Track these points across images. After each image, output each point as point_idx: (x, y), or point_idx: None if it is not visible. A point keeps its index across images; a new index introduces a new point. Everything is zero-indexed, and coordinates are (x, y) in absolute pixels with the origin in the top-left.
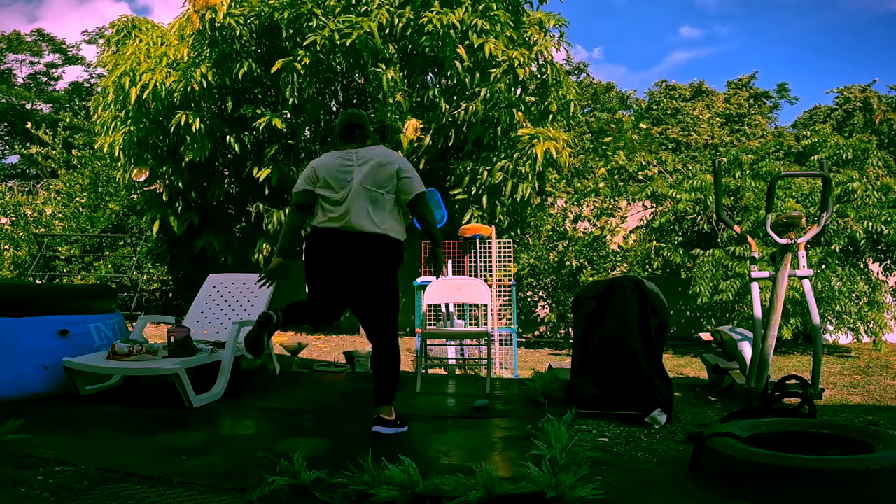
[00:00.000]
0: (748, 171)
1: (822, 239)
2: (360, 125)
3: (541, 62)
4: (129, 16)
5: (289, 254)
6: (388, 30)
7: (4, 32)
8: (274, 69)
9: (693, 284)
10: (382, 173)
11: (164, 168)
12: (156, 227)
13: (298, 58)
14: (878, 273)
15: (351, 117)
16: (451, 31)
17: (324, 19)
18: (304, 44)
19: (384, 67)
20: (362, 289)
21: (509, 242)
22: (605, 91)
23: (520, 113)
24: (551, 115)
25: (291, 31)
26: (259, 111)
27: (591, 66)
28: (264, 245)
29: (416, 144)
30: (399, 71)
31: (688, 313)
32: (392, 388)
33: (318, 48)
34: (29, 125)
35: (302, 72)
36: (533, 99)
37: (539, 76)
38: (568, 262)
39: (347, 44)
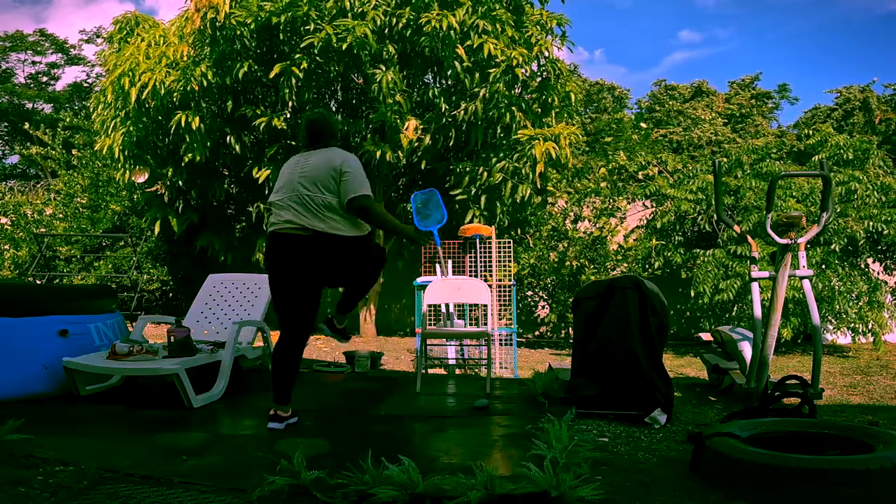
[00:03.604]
0: (749, 171)
1: (822, 239)
2: (316, 132)
3: (542, 62)
4: (132, 12)
5: None
6: (386, 30)
7: (7, 32)
8: (273, 73)
9: (693, 284)
10: (322, 175)
11: (165, 168)
12: (157, 229)
13: (297, 61)
14: (878, 273)
15: (308, 124)
16: (451, 32)
17: (321, 23)
18: (301, 46)
19: (384, 69)
20: (335, 273)
21: (509, 242)
22: (598, 91)
23: (520, 113)
24: (554, 111)
25: (289, 34)
26: (259, 111)
27: (582, 67)
28: (264, 245)
29: (415, 144)
30: (399, 72)
31: (688, 313)
32: (355, 304)
33: (315, 51)
34: (27, 126)
35: (301, 75)
36: (533, 96)
37: (540, 75)
38: (568, 263)
39: (343, 48)
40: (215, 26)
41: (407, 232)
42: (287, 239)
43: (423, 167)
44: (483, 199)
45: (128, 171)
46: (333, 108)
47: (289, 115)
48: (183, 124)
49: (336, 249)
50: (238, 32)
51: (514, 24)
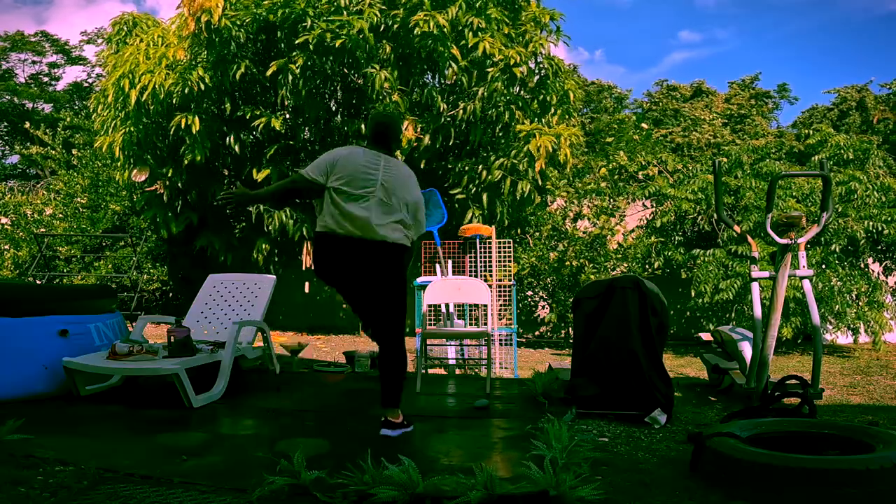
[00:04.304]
0: (749, 171)
1: (823, 239)
2: (383, 132)
3: (539, 59)
4: (129, 13)
5: (257, 199)
6: (381, 28)
7: (8, 32)
8: (269, 72)
9: (693, 284)
10: (405, 193)
11: (164, 169)
12: (164, 233)
13: (293, 59)
14: (878, 273)
15: (376, 123)
16: (443, 31)
17: (316, 20)
18: (296, 42)
19: (377, 68)
20: (375, 291)
21: (509, 242)
22: (598, 92)
23: (519, 111)
24: (552, 109)
25: (286, 32)
26: (258, 112)
27: (581, 66)
28: (264, 245)
29: (414, 144)
30: (395, 70)
31: (688, 313)
32: (398, 391)
33: (311, 48)
34: (28, 125)
35: (297, 73)
36: (529, 96)
37: (537, 72)
38: (568, 262)
39: (337, 45)
40: (210, 29)
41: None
42: (354, 244)
43: (422, 167)
44: (484, 197)
45: (127, 171)
46: (333, 108)
47: (287, 116)
48: (183, 126)
49: (395, 258)
50: (234, 33)
51: (509, 22)
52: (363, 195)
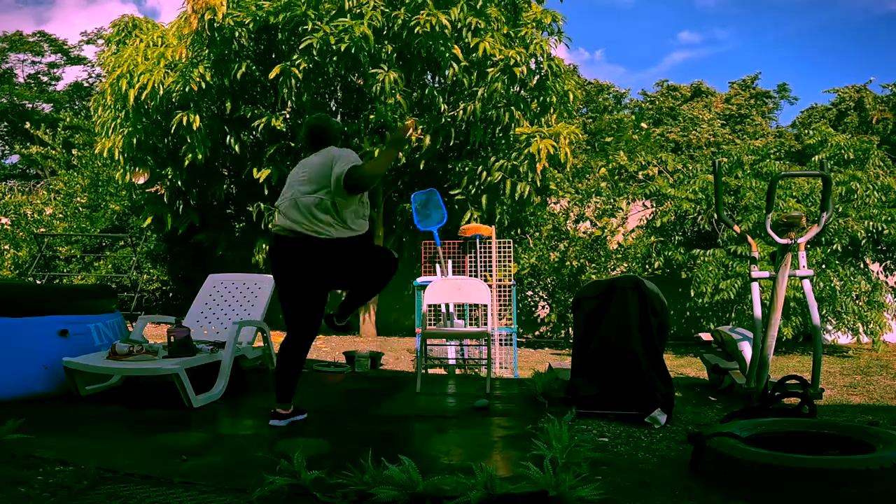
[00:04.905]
0: (749, 171)
1: (823, 239)
2: (316, 135)
3: (539, 60)
4: (129, 15)
5: None
6: (384, 30)
7: (6, 32)
8: (272, 75)
9: (693, 284)
10: (318, 173)
11: (165, 169)
12: (168, 223)
13: (295, 62)
14: (878, 273)
15: (308, 129)
16: (444, 31)
17: (319, 23)
18: (300, 47)
19: (385, 68)
20: (335, 277)
21: (509, 242)
22: (598, 92)
23: (518, 112)
24: (552, 109)
25: (287, 34)
26: (258, 111)
27: (581, 66)
28: (264, 245)
29: (415, 144)
30: (399, 71)
31: (688, 313)
32: (364, 301)
33: (315, 52)
34: (28, 125)
35: (300, 76)
36: (529, 96)
37: (538, 73)
38: (568, 262)
39: (342, 49)
40: (213, 27)
41: (398, 144)
42: (285, 242)
43: (422, 167)
44: (484, 198)
45: (128, 173)
46: (333, 109)
47: (288, 116)
48: (184, 124)
49: (331, 253)
50: (236, 33)
51: (508, 22)
52: (292, 203)
